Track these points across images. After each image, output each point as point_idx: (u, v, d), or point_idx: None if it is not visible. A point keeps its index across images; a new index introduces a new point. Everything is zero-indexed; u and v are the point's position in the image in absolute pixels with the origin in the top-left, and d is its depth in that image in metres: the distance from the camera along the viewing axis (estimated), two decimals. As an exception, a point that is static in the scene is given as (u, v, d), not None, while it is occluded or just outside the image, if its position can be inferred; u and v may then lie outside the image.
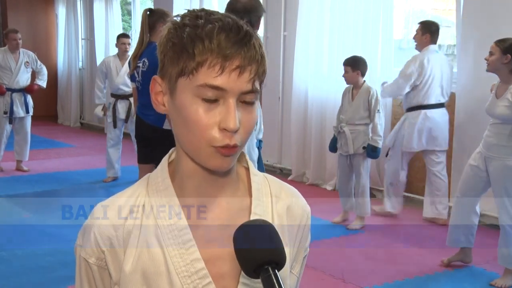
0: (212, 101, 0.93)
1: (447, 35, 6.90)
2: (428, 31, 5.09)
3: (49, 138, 9.94)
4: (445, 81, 5.12)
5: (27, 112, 7.07)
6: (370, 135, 4.93)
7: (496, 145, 3.79)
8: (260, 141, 3.47)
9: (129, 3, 10.67)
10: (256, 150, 3.40)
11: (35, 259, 4.25)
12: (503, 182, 3.80)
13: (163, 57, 0.97)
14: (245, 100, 0.95)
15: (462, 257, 4.24)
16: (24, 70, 7.04)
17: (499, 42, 3.78)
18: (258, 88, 0.96)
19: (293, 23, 6.78)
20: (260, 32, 6.95)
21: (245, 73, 0.93)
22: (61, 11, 11.86)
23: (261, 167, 3.46)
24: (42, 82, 7.23)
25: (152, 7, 4.58)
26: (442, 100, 5.18)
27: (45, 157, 8.20)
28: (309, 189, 6.47)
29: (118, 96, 6.52)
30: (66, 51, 11.75)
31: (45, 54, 12.11)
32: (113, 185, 6.49)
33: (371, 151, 4.90)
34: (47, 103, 12.09)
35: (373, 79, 6.00)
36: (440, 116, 5.16)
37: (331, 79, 6.43)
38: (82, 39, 11.52)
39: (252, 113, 0.97)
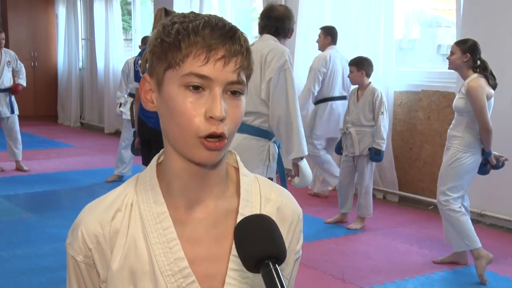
0: (198, 91, 0.95)
1: (447, 35, 6.90)
2: (329, 34, 5.90)
3: (49, 138, 9.95)
4: (346, 77, 5.71)
5: (12, 112, 7.05)
6: (374, 138, 4.93)
7: (453, 136, 4.04)
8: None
9: (129, 3, 10.68)
10: (276, 149, 3.43)
11: (35, 259, 4.25)
12: (446, 168, 4.02)
13: (151, 56, 1.00)
14: (232, 90, 0.96)
15: (456, 258, 4.24)
16: (7, 69, 7.04)
17: (460, 43, 4.03)
18: (245, 80, 0.98)
19: (293, 23, 6.78)
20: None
21: (230, 64, 0.95)
22: (61, 11, 11.87)
23: (281, 166, 3.47)
24: (23, 81, 7.23)
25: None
26: (344, 93, 5.92)
27: (45, 157, 8.21)
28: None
29: (135, 96, 6.48)
30: (66, 51, 11.76)
31: (45, 54, 12.14)
32: (114, 185, 6.49)
33: (374, 154, 4.90)
34: (47, 103, 12.12)
35: (374, 79, 5.99)
36: (342, 107, 5.78)
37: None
38: (82, 39, 11.53)
39: (239, 106, 0.98)
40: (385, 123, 4.91)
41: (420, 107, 5.86)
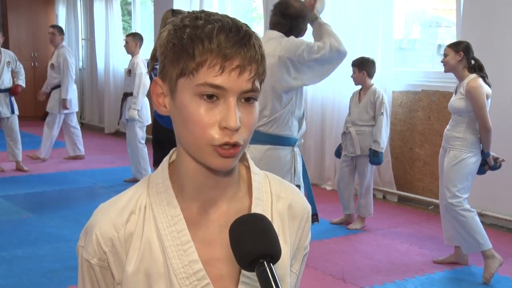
0: (212, 100, 0.94)
1: (447, 35, 6.91)
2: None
3: (49, 138, 9.92)
4: None
5: (12, 112, 7.08)
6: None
7: (453, 137, 4.03)
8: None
9: (129, 3, 10.68)
10: (301, 155, 3.35)
11: (35, 259, 4.25)
12: (450, 170, 3.99)
13: (163, 59, 0.98)
14: (246, 99, 0.96)
15: (457, 258, 4.24)
16: (6, 70, 7.06)
17: (452, 44, 4.05)
18: (259, 87, 0.96)
19: (293, 23, 6.78)
20: (261, 32, 6.95)
21: (245, 73, 0.93)
22: (61, 11, 11.87)
23: (306, 177, 3.37)
24: (22, 82, 7.27)
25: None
26: None
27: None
28: (309, 189, 6.47)
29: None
30: (66, 51, 11.75)
31: (45, 54, 12.12)
32: (112, 185, 6.49)
33: (372, 156, 4.83)
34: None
35: (373, 79, 6.00)
36: None
37: (331, 79, 6.40)
38: (82, 39, 11.53)
39: (253, 113, 0.97)
40: (384, 124, 4.86)
41: (420, 107, 5.86)
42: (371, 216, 5.11)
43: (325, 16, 6.50)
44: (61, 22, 11.84)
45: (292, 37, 3.24)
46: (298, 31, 3.34)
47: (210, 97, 0.93)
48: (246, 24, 0.98)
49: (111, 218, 1.02)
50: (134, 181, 6.54)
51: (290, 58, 3.15)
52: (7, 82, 7.05)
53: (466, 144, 3.96)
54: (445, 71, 4.09)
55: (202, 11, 0.98)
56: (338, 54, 3.30)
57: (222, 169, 0.98)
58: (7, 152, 7.25)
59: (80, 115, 11.67)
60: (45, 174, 7.11)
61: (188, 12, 0.99)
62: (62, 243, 4.52)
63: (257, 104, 0.98)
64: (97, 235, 1.02)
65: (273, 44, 3.18)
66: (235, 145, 0.94)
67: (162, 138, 4.11)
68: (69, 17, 11.62)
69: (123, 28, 10.75)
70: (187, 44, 0.93)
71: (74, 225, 4.90)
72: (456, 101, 3.99)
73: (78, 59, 11.54)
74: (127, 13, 11.31)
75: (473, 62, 3.95)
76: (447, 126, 4.15)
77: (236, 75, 0.92)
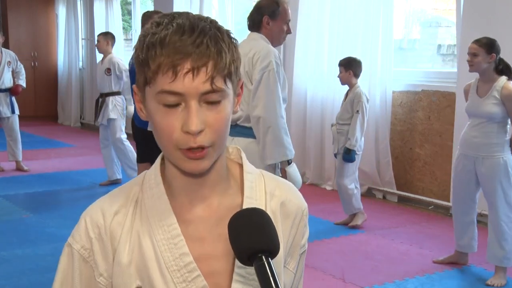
0: (173, 106, 0.94)
1: (447, 35, 6.91)
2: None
3: (49, 138, 9.95)
4: None
5: (13, 112, 7.09)
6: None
7: (485, 144, 3.83)
8: None
9: (129, 3, 10.68)
10: None
11: (35, 259, 4.25)
12: (498, 179, 3.82)
13: (136, 68, 1.00)
14: (209, 101, 0.95)
15: (457, 258, 4.23)
16: (7, 70, 7.07)
17: (483, 44, 3.81)
18: (222, 85, 0.95)
19: (293, 23, 6.77)
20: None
21: (200, 74, 0.92)
22: (61, 11, 11.87)
23: None
24: (23, 82, 7.28)
25: (153, 8, 4.60)
26: None
27: (45, 157, 8.21)
28: (309, 189, 6.47)
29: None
30: (66, 51, 11.76)
31: (45, 54, 12.14)
32: (112, 185, 6.49)
33: (345, 153, 4.85)
34: (47, 103, 12.13)
35: (373, 79, 6.01)
36: None
37: (330, 79, 6.43)
38: (82, 39, 11.53)
39: (220, 113, 0.96)
40: (359, 123, 4.82)
41: (420, 107, 5.86)
42: (359, 210, 5.07)
43: (325, 16, 6.52)
44: (61, 22, 11.85)
45: (271, 59, 3.21)
46: (259, 22, 3.35)
47: (171, 105, 0.94)
48: (207, 20, 0.96)
49: (101, 207, 1.06)
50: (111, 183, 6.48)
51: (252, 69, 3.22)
52: (7, 82, 7.06)
53: (501, 149, 3.81)
54: (471, 71, 3.87)
55: (170, 15, 0.97)
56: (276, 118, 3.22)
57: (195, 171, 0.98)
58: (7, 152, 7.25)
59: (80, 115, 11.69)
60: (45, 174, 7.12)
61: (159, 16, 0.98)
62: (62, 243, 4.46)
63: (225, 102, 0.96)
64: (86, 221, 1.06)
65: (254, 44, 3.28)
66: (199, 147, 0.95)
67: (141, 137, 4.16)
68: (69, 17, 11.62)
69: (123, 28, 10.76)
70: (146, 52, 0.94)
71: (74, 225, 4.86)
72: (489, 106, 3.77)
73: (78, 59, 11.56)
74: (127, 13, 11.31)
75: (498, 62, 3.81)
76: (472, 133, 3.90)
77: (191, 78, 0.92)
